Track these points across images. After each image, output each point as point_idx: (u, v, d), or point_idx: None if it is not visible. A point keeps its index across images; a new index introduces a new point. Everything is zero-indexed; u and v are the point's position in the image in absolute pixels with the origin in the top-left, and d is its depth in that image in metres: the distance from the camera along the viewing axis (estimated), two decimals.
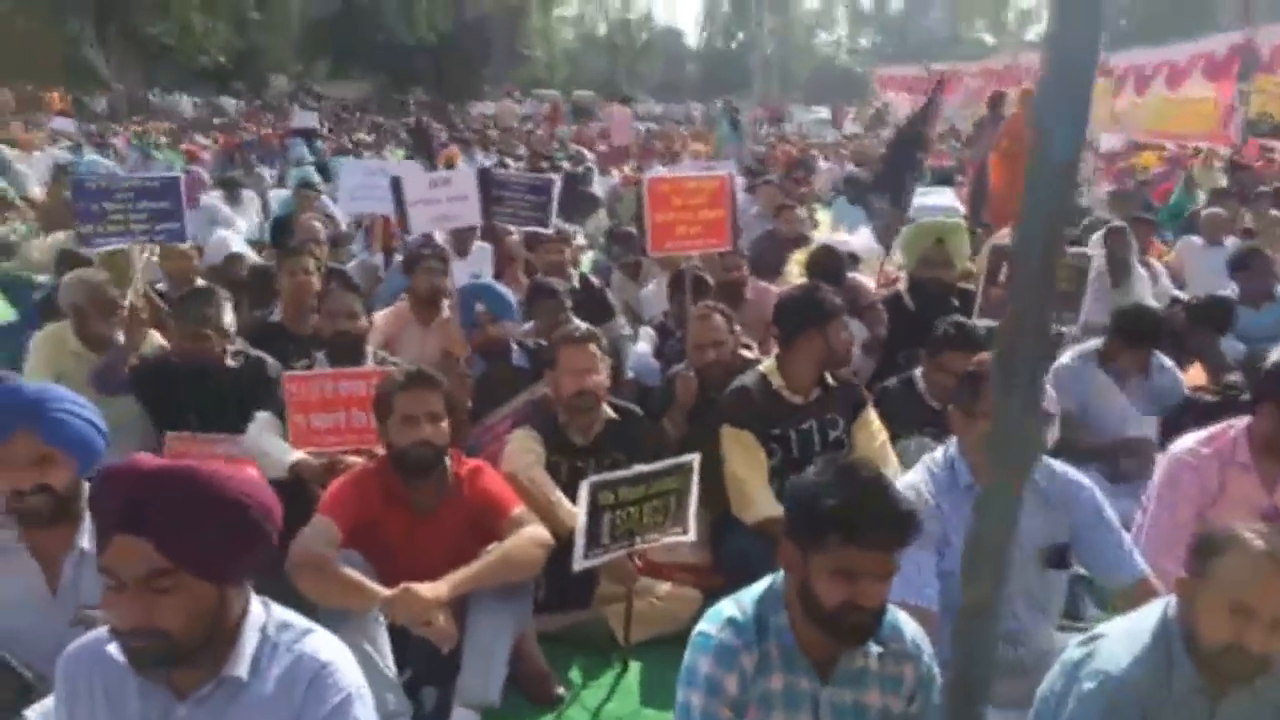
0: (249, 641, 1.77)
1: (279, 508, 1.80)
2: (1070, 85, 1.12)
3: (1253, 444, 3.26)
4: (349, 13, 39.64)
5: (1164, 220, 10.98)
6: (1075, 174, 1.17)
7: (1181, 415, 4.49)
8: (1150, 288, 6.48)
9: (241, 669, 1.74)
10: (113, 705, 1.76)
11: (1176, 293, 6.62)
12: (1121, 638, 2.22)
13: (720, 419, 3.77)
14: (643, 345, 5.19)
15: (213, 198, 9.72)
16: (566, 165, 15.84)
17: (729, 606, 2.23)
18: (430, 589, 2.78)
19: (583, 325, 3.81)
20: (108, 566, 1.65)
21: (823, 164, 17.74)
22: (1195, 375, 5.43)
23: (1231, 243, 8.13)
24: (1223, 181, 14.66)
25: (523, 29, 44.80)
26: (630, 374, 5.11)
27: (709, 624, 2.20)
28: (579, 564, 3.07)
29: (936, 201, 6.91)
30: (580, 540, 3.04)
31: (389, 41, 39.71)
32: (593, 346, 3.66)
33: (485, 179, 5.72)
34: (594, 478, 3.04)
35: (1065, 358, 4.69)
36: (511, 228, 6.26)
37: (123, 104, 30.48)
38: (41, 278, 6.82)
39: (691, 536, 3.35)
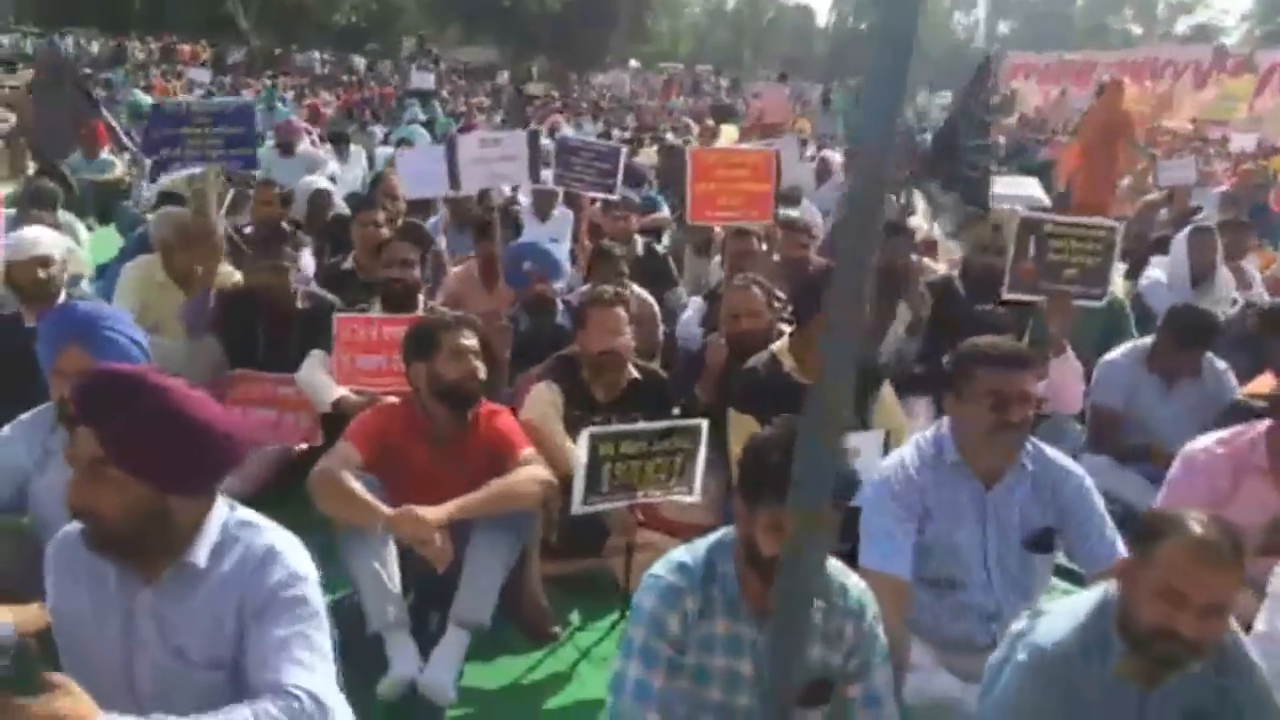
0: (210, 534, 1.96)
1: (238, 434, 1.98)
2: (884, 90, 1.14)
3: (1270, 448, 3.20)
4: None
5: None
6: (886, 185, 1.21)
7: (1229, 419, 4.37)
8: (1233, 291, 6.25)
9: (200, 557, 1.93)
10: (93, 587, 1.96)
11: (1250, 297, 6.37)
12: (1062, 614, 2.26)
13: (729, 401, 3.84)
14: (689, 312, 5.31)
15: (309, 148, 10.12)
16: (670, 138, 15.93)
17: (683, 552, 2.36)
18: (431, 512, 2.98)
19: (610, 288, 3.93)
20: (69, 453, 1.88)
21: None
22: (1267, 382, 5.25)
23: None
24: None
25: (650, 1, 44.76)
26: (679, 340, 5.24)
27: (661, 566, 2.33)
28: (577, 508, 3.22)
29: (1017, 190, 6.77)
30: (579, 486, 3.19)
31: (517, 8, 40.24)
32: (620, 309, 3.79)
33: (560, 145, 5.89)
34: (594, 429, 3.19)
35: (1115, 354, 4.62)
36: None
37: (258, 58, 31.74)
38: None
39: (695, 498, 3.46)
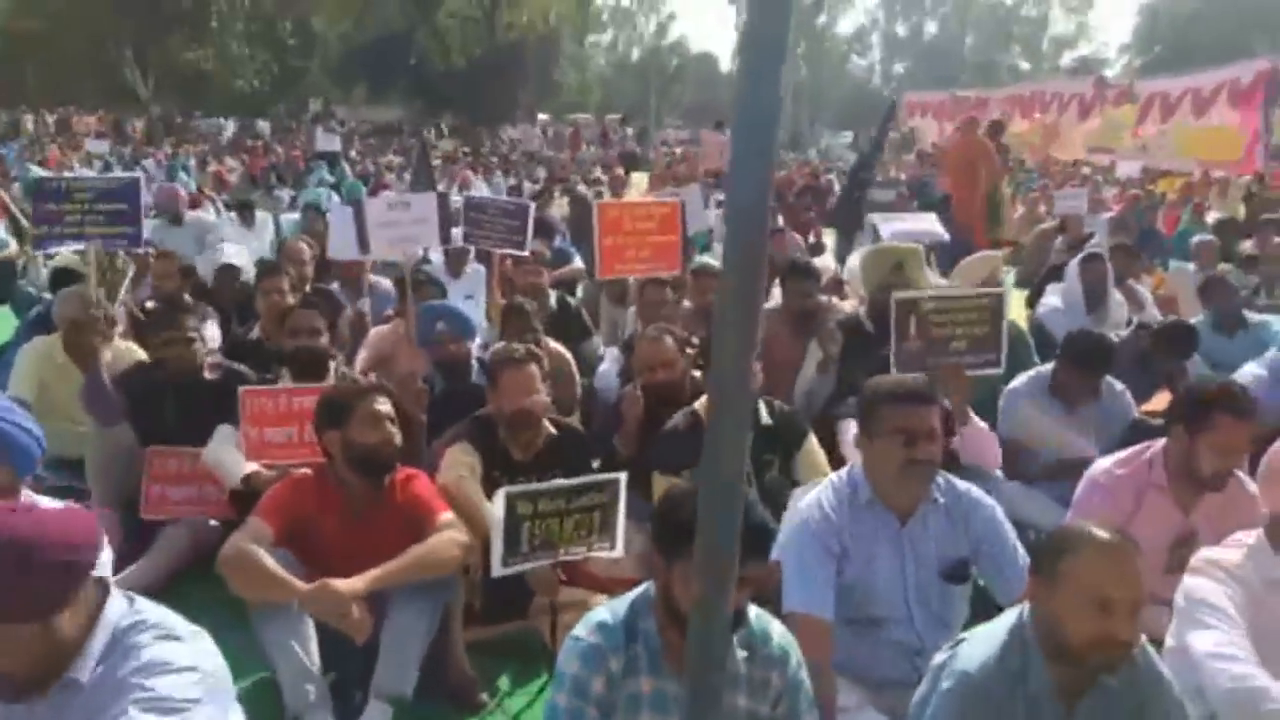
0: (96, 645, 1.85)
1: (82, 535, 1.85)
2: (756, 130, 1.15)
3: (1167, 466, 3.31)
4: (383, 39, 40.36)
5: (1176, 247, 11.01)
6: (764, 219, 1.22)
7: (1129, 439, 4.52)
8: (1126, 314, 6.50)
9: (83, 672, 1.83)
10: None
11: (1142, 318, 6.64)
12: (980, 640, 2.30)
13: (651, 463, 3.85)
14: (606, 364, 5.32)
15: (198, 216, 9.95)
16: (582, 189, 16.04)
17: (603, 611, 2.34)
18: (347, 584, 2.92)
19: (521, 347, 3.92)
20: None
21: (838, 187, 17.85)
22: (1164, 400, 5.45)
23: (1224, 269, 8.16)
24: (1241, 209, 14.57)
25: (556, 55, 45.26)
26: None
27: (582, 627, 2.31)
28: (497, 570, 3.18)
29: (916, 226, 6.98)
30: (498, 547, 3.15)
31: (422, 67, 40.34)
32: (532, 367, 3.78)
33: (467, 204, 5.89)
34: (510, 488, 3.16)
35: (1017, 382, 4.75)
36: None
37: (159, 127, 31.21)
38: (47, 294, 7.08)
39: (618, 552, 3.44)
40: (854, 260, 7.21)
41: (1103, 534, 2.13)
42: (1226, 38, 38.91)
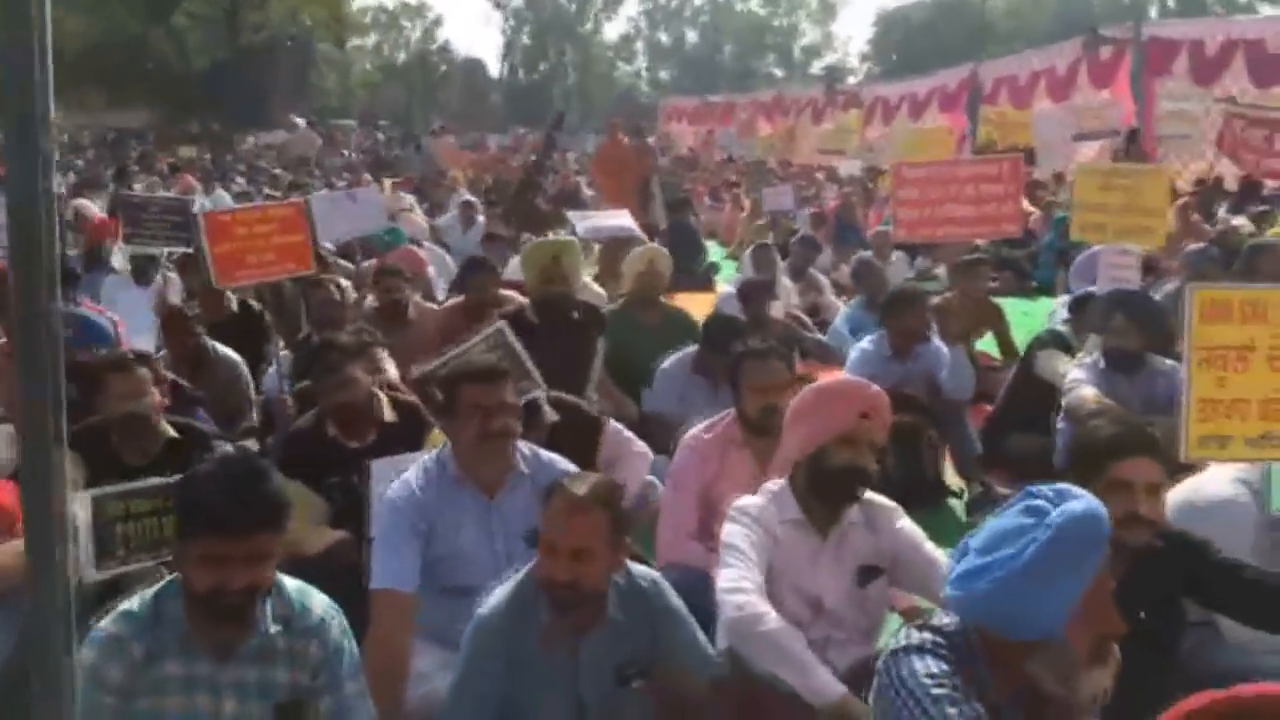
0: None
1: None
2: (24, 131, 1.19)
3: (742, 424, 3.64)
4: (117, 43, 37.75)
5: None
6: (50, 223, 1.23)
7: None
8: (796, 299, 7.06)
9: None
10: None
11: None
12: (499, 588, 2.56)
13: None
14: (274, 366, 5.27)
15: None
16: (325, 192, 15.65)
17: (133, 600, 2.35)
18: None
19: (128, 352, 3.84)
20: None
21: (587, 191, 18.25)
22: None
23: (897, 257, 9.01)
24: None
25: (311, 58, 43.77)
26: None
27: (107, 619, 2.31)
28: (89, 575, 3.10)
29: (605, 223, 7.31)
30: (86, 550, 3.07)
31: (162, 69, 38.05)
32: (141, 370, 3.71)
33: (123, 203, 5.69)
34: (94, 490, 3.10)
35: (667, 363, 5.09)
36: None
37: None
38: None
39: None
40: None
41: (568, 483, 2.45)
42: (956, 46, 42.32)
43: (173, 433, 3.81)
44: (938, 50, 43.66)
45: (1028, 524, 1.91)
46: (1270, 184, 12.84)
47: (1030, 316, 8.76)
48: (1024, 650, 1.95)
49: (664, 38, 72.88)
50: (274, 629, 2.35)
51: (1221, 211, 10.89)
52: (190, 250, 5.82)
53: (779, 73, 66.35)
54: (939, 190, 6.18)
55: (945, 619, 2.06)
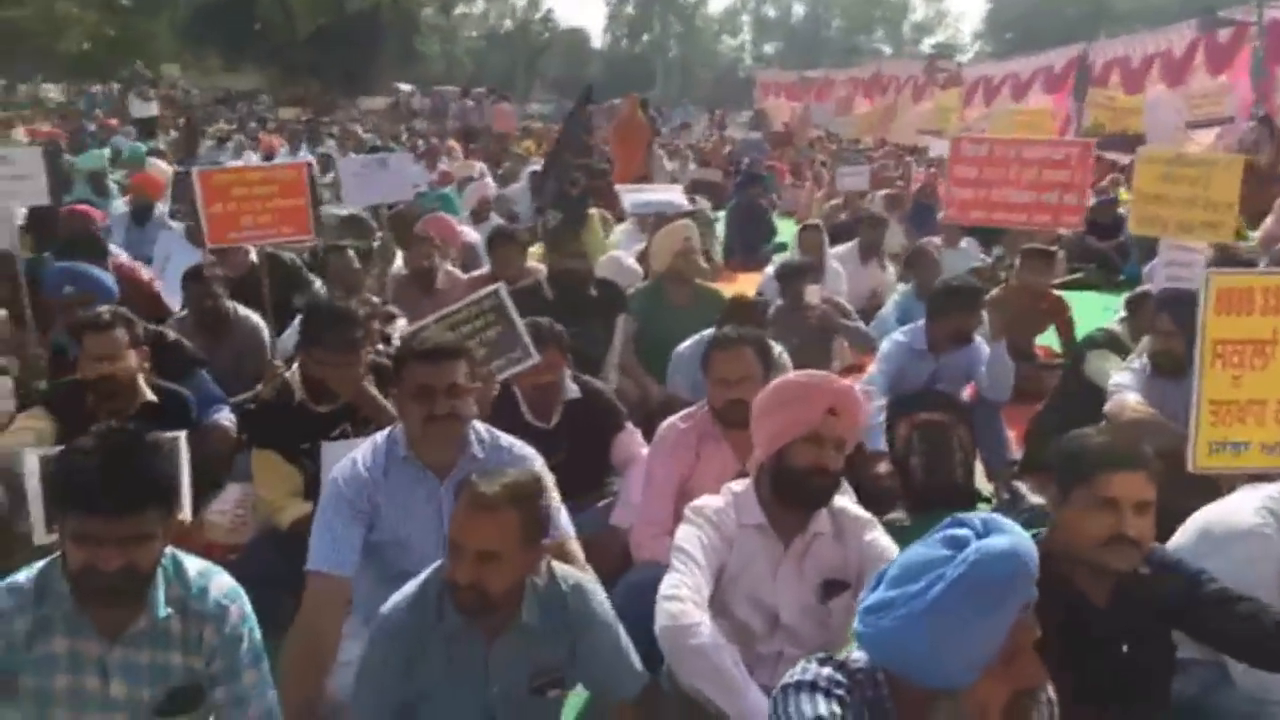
0: None
1: None
2: None
3: (715, 416, 3.42)
4: (227, 3, 38.73)
5: None
6: None
7: None
8: (845, 286, 6.74)
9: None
10: None
11: None
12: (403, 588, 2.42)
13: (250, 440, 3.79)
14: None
15: None
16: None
17: (21, 572, 2.26)
18: None
19: (106, 311, 3.78)
20: None
21: (667, 164, 18.01)
22: None
23: (968, 243, 8.57)
24: None
25: (416, 25, 44.29)
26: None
27: None
28: (40, 538, 3.07)
29: (655, 197, 7.10)
30: (37, 513, 3.04)
31: (268, 33, 38.94)
32: (118, 332, 3.66)
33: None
34: (40, 449, 3.05)
35: (683, 345, 4.88)
36: None
37: None
38: None
39: (186, 515, 3.35)
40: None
41: (474, 480, 2.28)
42: (1073, 25, 40.59)
43: (150, 395, 3.76)
44: (1054, 29, 41.88)
45: (939, 557, 1.67)
46: None
47: (1113, 312, 8.24)
48: (929, 698, 1.71)
49: (770, 11, 71.75)
50: (166, 612, 2.24)
51: None
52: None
53: (886, 49, 64.60)
54: (998, 171, 5.78)
55: (857, 654, 1.83)
